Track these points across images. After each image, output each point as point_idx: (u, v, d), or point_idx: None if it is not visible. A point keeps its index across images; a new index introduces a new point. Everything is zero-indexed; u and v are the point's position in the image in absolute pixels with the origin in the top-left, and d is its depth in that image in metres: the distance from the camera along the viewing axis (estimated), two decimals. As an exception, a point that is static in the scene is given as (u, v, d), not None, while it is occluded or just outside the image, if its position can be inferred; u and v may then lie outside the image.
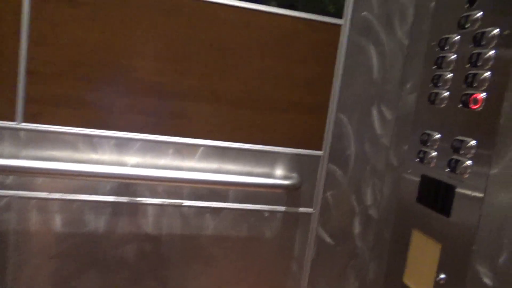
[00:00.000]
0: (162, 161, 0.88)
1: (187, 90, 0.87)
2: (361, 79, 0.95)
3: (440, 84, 0.81)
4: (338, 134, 0.96)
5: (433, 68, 0.84)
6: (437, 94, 0.82)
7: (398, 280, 0.89)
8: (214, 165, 0.91)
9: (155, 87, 0.86)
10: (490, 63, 0.70)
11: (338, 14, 0.91)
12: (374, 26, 0.93)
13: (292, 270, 0.99)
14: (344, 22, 0.92)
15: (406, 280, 0.87)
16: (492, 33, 0.70)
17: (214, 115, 0.89)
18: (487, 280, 0.67)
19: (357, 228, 1.02)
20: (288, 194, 0.96)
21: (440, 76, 0.81)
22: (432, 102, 0.83)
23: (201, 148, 0.90)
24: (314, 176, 0.96)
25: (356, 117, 0.96)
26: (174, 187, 0.90)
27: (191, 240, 0.93)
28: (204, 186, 0.89)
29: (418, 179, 0.86)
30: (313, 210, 0.98)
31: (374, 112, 0.97)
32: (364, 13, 0.92)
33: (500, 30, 0.69)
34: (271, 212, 0.96)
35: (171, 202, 0.90)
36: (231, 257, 0.95)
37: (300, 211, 0.97)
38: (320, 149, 0.96)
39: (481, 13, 0.73)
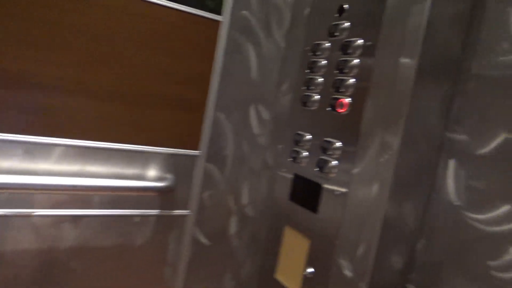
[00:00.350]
0: (7, 163, 0.74)
1: (47, 80, 0.74)
2: (240, 78, 0.94)
3: (312, 87, 0.85)
4: (216, 133, 0.94)
5: (306, 71, 0.88)
6: (309, 97, 0.85)
7: (271, 276, 0.92)
8: (75, 168, 0.80)
9: (5, 76, 0.70)
10: (355, 70, 0.76)
11: (218, 10, 0.89)
12: (253, 26, 0.93)
13: (166, 276, 0.94)
14: (224, 19, 0.90)
15: (278, 276, 0.90)
16: (357, 43, 0.75)
17: (78, 110, 0.78)
18: (347, 272, 0.73)
19: (233, 228, 1.01)
20: (162, 197, 0.90)
21: (312, 79, 0.85)
22: (304, 104, 0.87)
23: (60, 148, 0.78)
24: (191, 176, 0.92)
25: (235, 117, 0.95)
26: (23, 194, 0.76)
27: (46, 254, 0.80)
28: (62, 192, 0.77)
29: (291, 177, 0.89)
30: (189, 212, 0.94)
31: (252, 112, 0.97)
32: (244, 11, 0.91)
33: (363, 41, 0.74)
34: (143, 216, 0.89)
35: (18, 212, 0.76)
36: (96, 269, 0.85)
37: (175, 213, 0.93)
38: (197, 149, 0.92)
39: (348, 23, 0.79)
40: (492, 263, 0.62)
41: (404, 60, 0.67)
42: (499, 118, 0.63)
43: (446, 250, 0.69)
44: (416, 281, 0.73)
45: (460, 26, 0.68)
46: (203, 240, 0.97)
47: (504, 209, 0.62)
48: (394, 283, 0.74)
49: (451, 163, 0.70)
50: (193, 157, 0.92)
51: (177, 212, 0.93)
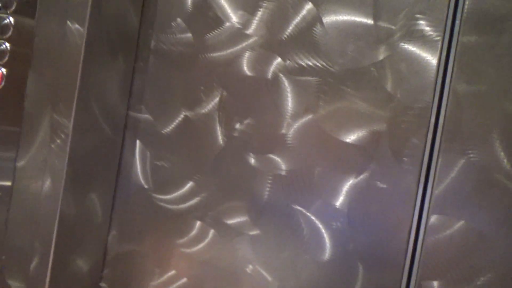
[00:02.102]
0: None
1: None
2: None
3: None
4: None
5: None
6: None
7: None
8: None
9: None
10: (10, 31, 0.57)
11: None
12: None
13: None
14: None
15: None
16: (9, -4, 0.57)
17: None
18: (19, 294, 0.57)
19: None
20: None
21: None
22: None
23: None
24: None
25: None
26: None
27: None
28: None
29: None
30: None
31: None
32: None
33: (16, -6, 0.57)
34: None
35: None
36: None
37: None
38: None
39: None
40: (181, 241, 0.62)
41: (72, 26, 0.55)
42: (178, 96, 0.62)
43: (138, 236, 0.64)
44: (109, 278, 0.66)
45: (136, -4, 0.63)
46: None
47: (187, 186, 0.62)
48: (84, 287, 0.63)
49: (137, 144, 0.65)
50: None
51: None
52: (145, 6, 0.63)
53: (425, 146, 0.48)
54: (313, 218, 0.53)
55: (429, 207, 0.47)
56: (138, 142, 0.64)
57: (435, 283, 0.47)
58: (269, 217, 0.55)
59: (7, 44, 0.57)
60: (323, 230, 0.52)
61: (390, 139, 0.49)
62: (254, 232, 0.56)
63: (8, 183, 0.58)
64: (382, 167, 0.49)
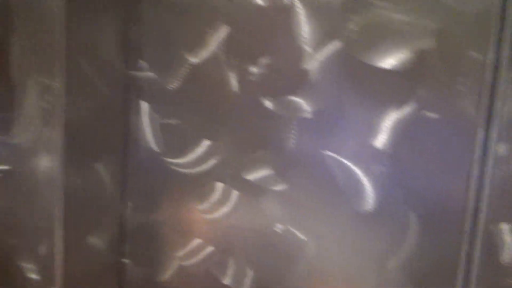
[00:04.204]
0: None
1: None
2: None
3: None
4: None
5: None
6: None
7: None
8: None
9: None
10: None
11: None
12: None
13: None
14: None
15: None
16: None
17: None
18: (33, 276, 0.52)
19: None
20: None
21: None
22: None
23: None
24: None
25: None
26: None
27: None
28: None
29: None
30: None
31: None
32: None
33: None
34: None
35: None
36: None
37: None
38: None
39: None
40: (202, 206, 0.55)
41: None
42: (180, 43, 0.53)
43: (156, 206, 0.58)
44: (131, 252, 0.60)
45: None
46: None
47: (202, 145, 0.54)
48: (102, 267, 0.58)
49: (143, 106, 0.57)
50: None
51: None
52: None
53: (484, 60, 0.38)
54: (349, 164, 0.44)
55: (496, 135, 0.37)
56: (143, 102, 0.57)
57: (507, 227, 0.38)
58: (297, 168, 0.48)
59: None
60: (363, 177, 0.44)
61: (440, 56, 0.39)
62: (281, 187, 0.49)
63: (8, 168, 0.53)
64: (431, 92, 0.40)
